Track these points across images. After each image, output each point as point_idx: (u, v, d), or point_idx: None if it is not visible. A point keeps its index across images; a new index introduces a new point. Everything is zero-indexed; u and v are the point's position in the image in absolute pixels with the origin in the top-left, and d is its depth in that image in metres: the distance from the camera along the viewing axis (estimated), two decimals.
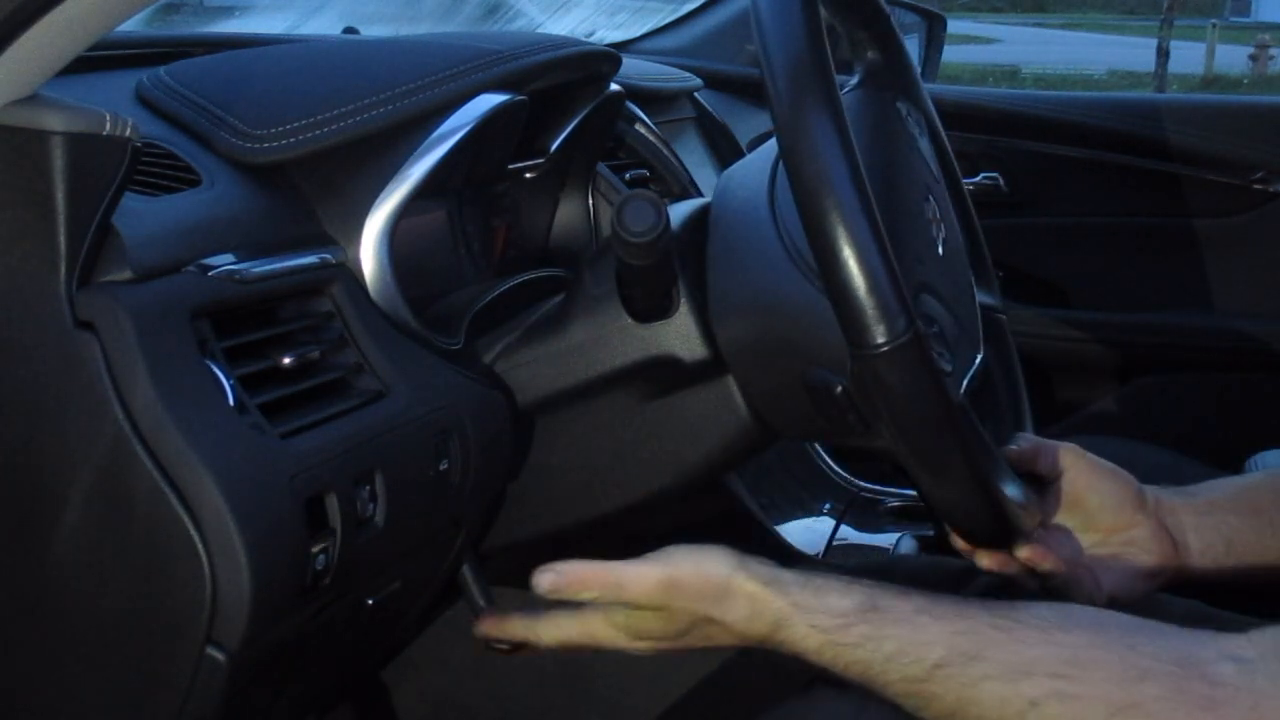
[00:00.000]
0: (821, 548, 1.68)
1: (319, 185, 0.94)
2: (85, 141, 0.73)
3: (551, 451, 1.02)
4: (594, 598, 0.82)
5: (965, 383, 0.95)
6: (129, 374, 0.74)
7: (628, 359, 0.97)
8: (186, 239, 0.82)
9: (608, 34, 2.14)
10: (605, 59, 1.16)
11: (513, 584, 0.94)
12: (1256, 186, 1.89)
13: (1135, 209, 1.98)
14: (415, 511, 0.90)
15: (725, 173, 1.02)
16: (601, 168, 1.26)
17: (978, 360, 1.00)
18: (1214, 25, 17.02)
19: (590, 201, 1.24)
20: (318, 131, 0.93)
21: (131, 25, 1.10)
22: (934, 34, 2.31)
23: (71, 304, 0.74)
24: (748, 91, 1.92)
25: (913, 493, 1.73)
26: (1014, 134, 1.98)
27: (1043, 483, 0.96)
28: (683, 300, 0.95)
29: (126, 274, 0.77)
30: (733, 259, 0.95)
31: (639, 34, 2.10)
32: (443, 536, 0.97)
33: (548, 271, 1.14)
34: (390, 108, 0.95)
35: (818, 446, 1.83)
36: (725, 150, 1.78)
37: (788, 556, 1.61)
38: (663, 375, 0.97)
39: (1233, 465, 1.31)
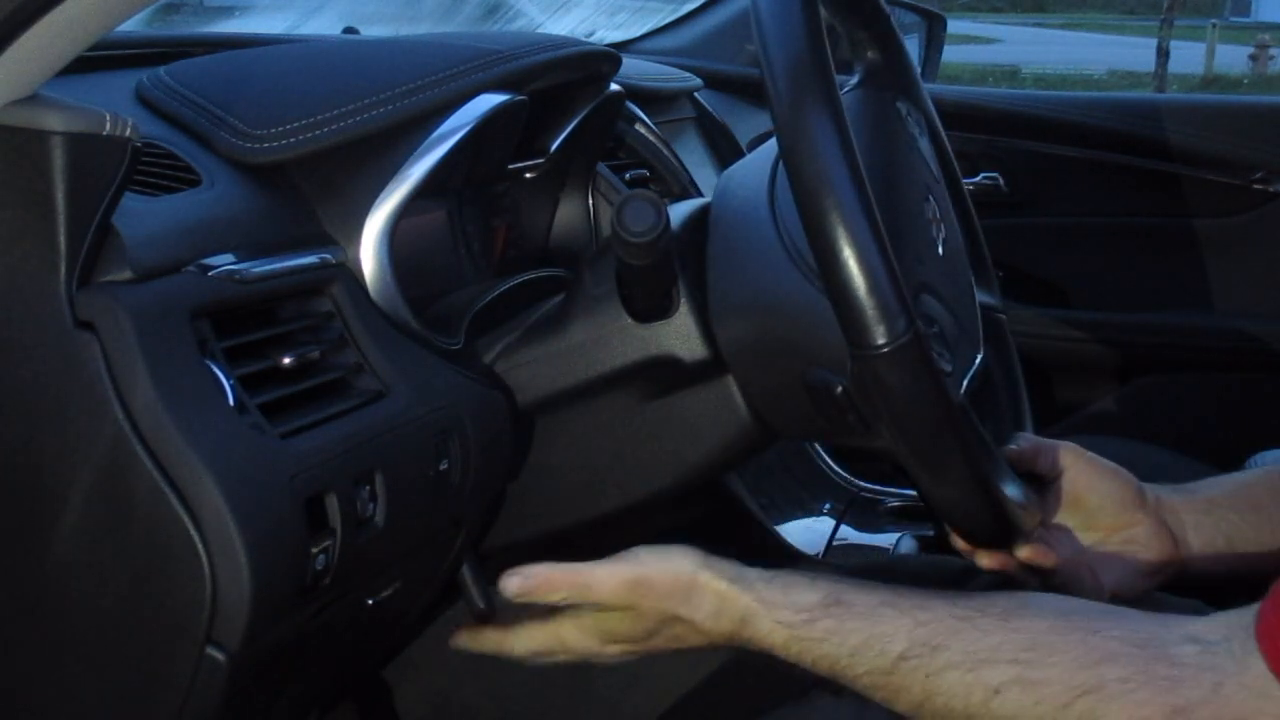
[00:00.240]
0: (821, 548, 1.68)
1: (319, 185, 0.94)
2: (85, 141, 0.73)
3: (551, 451, 1.02)
4: (562, 599, 0.83)
5: (965, 383, 0.95)
6: (129, 374, 0.74)
7: (628, 359, 0.97)
8: (186, 239, 0.82)
9: (608, 34, 2.14)
10: (605, 59, 1.16)
11: None
12: (1256, 186, 1.89)
13: (1135, 209, 1.98)
14: (415, 511, 0.90)
15: (725, 173, 1.02)
16: (601, 168, 1.26)
17: (978, 360, 1.00)
18: (1214, 25, 17.02)
19: (590, 201, 1.24)
20: (318, 131, 0.93)
21: (131, 25, 1.10)
22: (934, 34, 2.31)
23: (71, 304, 0.74)
24: (748, 91, 1.92)
25: (913, 493, 1.73)
26: (1014, 134, 1.98)
27: (1043, 482, 0.96)
28: (683, 300, 0.95)
29: (126, 274, 0.77)
30: (733, 259, 0.94)
31: (639, 34, 2.10)
32: (443, 536, 0.97)
33: (548, 271, 1.14)
34: (390, 108, 0.95)
35: (818, 446, 1.83)
36: (725, 150, 1.78)
37: (788, 556, 1.61)
38: (663, 375, 0.97)
39: (1233, 465, 1.30)
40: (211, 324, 0.80)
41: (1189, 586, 0.97)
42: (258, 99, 0.97)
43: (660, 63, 1.82)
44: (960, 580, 0.98)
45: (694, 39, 2.05)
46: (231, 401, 0.78)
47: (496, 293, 1.06)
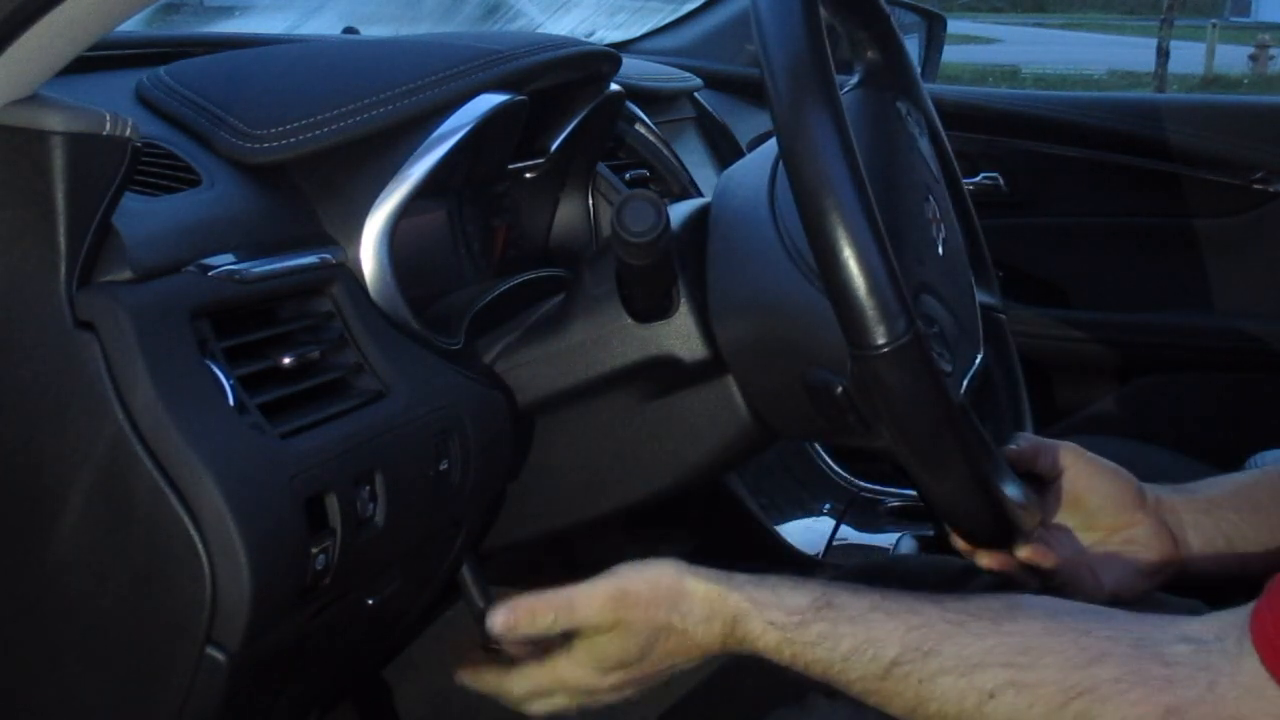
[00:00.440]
0: (821, 548, 1.68)
1: (319, 185, 0.94)
2: (85, 141, 0.73)
3: (551, 451, 1.02)
4: (549, 625, 0.82)
5: (965, 383, 0.95)
6: (129, 374, 0.74)
7: (628, 359, 0.97)
8: (186, 239, 0.82)
9: (608, 34, 2.14)
10: (605, 59, 1.16)
11: (513, 584, 0.94)
12: (1256, 186, 1.89)
13: (1135, 209, 1.98)
14: (415, 511, 0.90)
15: (725, 173, 1.02)
16: (601, 168, 1.26)
17: (978, 360, 1.00)
18: (1214, 25, 17.01)
19: (590, 201, 1.24)
20: (318, 131, 0.93)
21: (131, 25, 1.10)
22: (934, 34, 2.31)
23: (71, 304, 0.74)
24: (748, 91, 1.92)
25: (913, 493, 1.73)
26: (1014, 134, 1.98)
27: (1043, 482, 0.96)
28: (683, 300, 0.95)
29: (126, 274, 0.77)
30: (733, 259, 0.94)
31: (639, 34, 2.10)
32: (443, 536, 0.97)
33: (548, 271, 1.14)
34: (390, 108, 0.95)
35: (818, 446, 1.83)
36: (725, 150, 1.78)
37: (788, 556, 1.61)
38: (663, 375, 0.97)
39: (1233, 465, 1.30)
40: (211, 324, 0.80)
41: (1189, 586, 0.97)
42: (258, 99, 0.97)
43: (660, 63, 1.82)
44: (960, 580, 0.98)
45: (694, 39, 2.05)
46: (231, 401, 0.78)
47: (496, 293, 1.06)
